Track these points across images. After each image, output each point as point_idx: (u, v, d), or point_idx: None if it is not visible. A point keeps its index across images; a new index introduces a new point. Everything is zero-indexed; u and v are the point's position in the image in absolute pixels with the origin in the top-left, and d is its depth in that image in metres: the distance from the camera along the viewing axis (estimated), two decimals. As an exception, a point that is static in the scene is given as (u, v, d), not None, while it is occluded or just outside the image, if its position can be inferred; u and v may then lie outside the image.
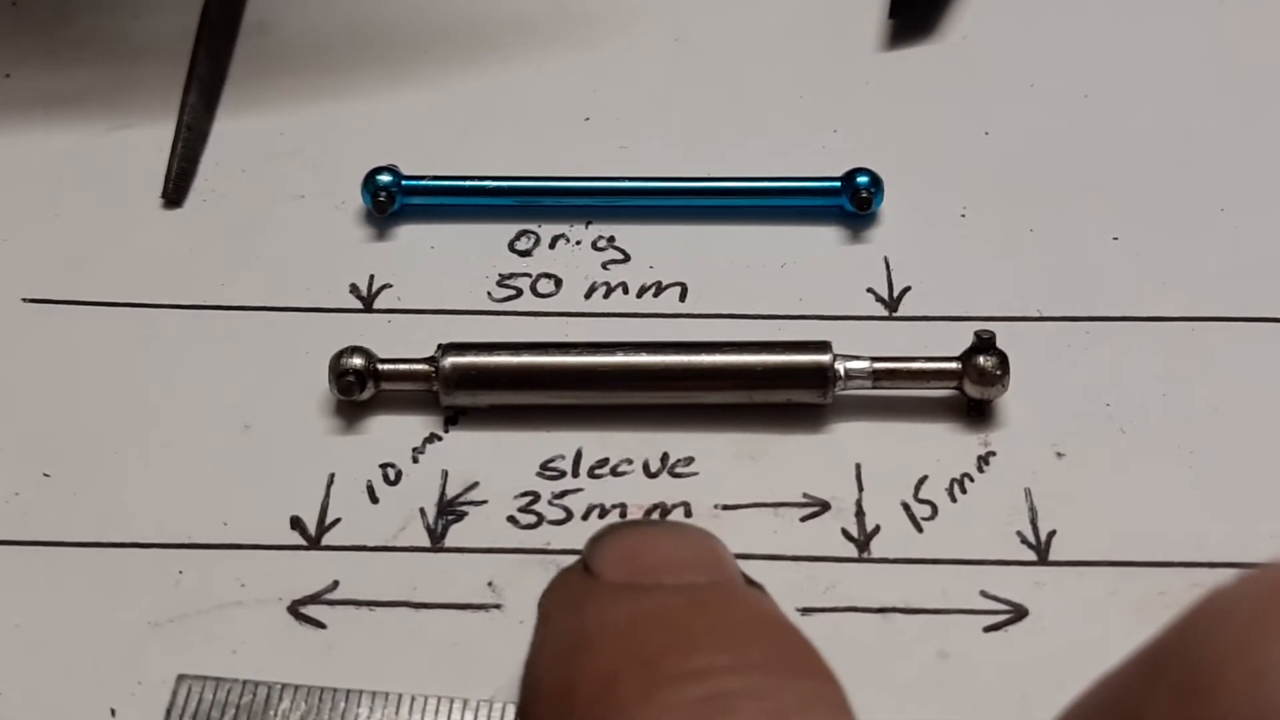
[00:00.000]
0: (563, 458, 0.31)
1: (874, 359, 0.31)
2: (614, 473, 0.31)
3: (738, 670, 0.19)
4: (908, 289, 0.34)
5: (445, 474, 0.31)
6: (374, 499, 0.30)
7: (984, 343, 0.31)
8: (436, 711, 0.26)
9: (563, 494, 0.30)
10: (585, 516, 0.30)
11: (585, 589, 0.22)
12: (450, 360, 0.31)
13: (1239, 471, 0.30)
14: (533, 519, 0.30)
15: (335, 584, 0.29)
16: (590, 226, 0.36)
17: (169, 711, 0.26)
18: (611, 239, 0.35)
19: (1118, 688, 0.17)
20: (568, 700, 0.19)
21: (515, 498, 0.30)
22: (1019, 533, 0.29)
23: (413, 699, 0.26)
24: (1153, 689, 0.16)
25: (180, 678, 0.26)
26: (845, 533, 0.29)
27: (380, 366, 0.31)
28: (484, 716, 0.26)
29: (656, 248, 0.35)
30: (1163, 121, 0.38)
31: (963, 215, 0.36)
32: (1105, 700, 0.17)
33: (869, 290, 0.34)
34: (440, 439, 0.31)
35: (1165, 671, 0.16)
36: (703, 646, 0.19)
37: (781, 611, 0.22)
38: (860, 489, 0.30)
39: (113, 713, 0.27)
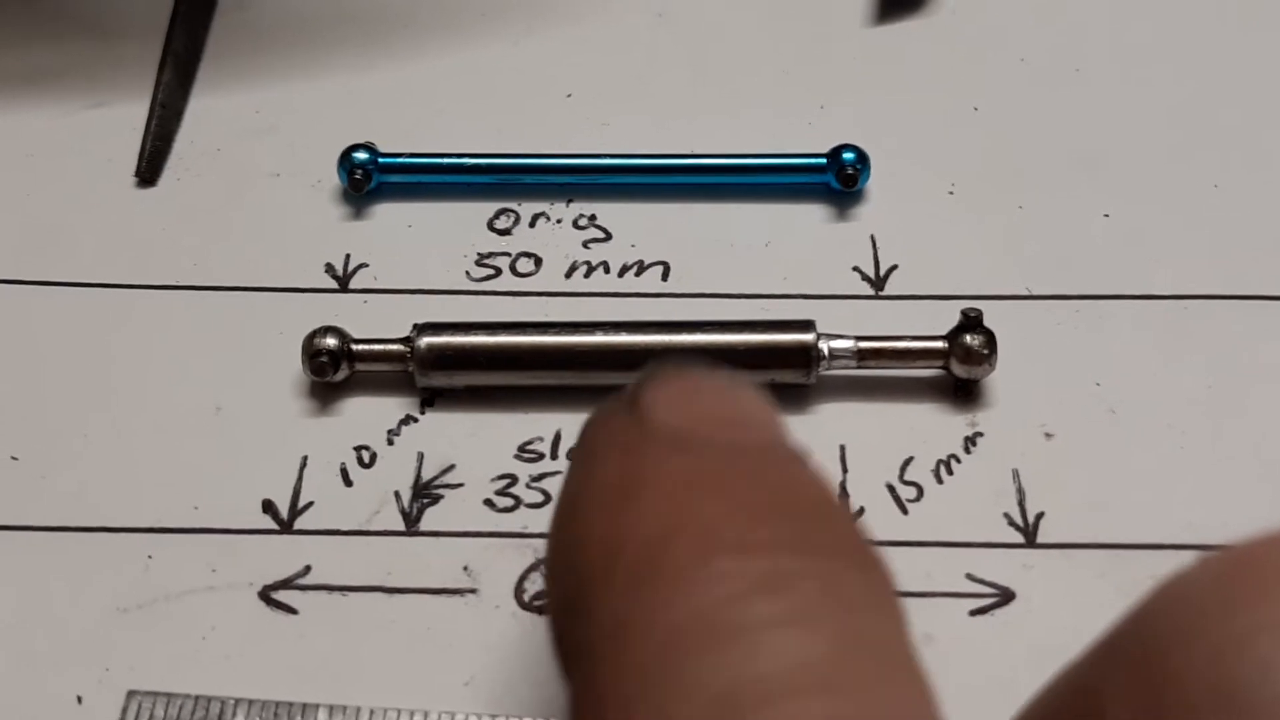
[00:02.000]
0: (541, 439, 0.30)
1: (859, 338, 0.30)
2: (593, 455, 0.30)
3: (800, 550, 0.18)
4: (894, 267, 0.33)
5: (421, 456, 0.30)
6: (348, 482, 0.29)
7: (971, 321, 0.30)
8: None
9: (541, 476, 0.30)
10: (564, 499, 0.29)
11: (634, 432, 0.20)
12: (426, 340, 0.30)
13: (1231, 452, 0.30)
14: (510, 502, 0.29)
15: (308, 569, 0.28)
16: (571, 205, 0.35)
17: None
18: (593, 217, 0.35)
19: (1078, 675, 0.17)
20: (614, 557, 0.18)
21: (492, 480, 0.30)
22: (1006, 514, 0.29)
23: (371, 712, 0.25)
24: (1112, 673, 0.16)
25: (130, 694, 0.26)
26: (829, 515, 0.29)
27: (354, 347, 0.30)
28: (446, 728, 0.25)
29: (638, 226, 0.34)
30: (1155, 97, 0.37)
31: (951, 192, 0.35)
32: (1066, 687, 0.17)
33: (855, 269, 0.33)
34: (416, 421, 0.31)
35: (1123, 654, 0.16)
36: (766, 519, 0.18)
37: (832, 491, 0.20)
38: (845, 470, 0.30)
39: (79, 699, 0.26)
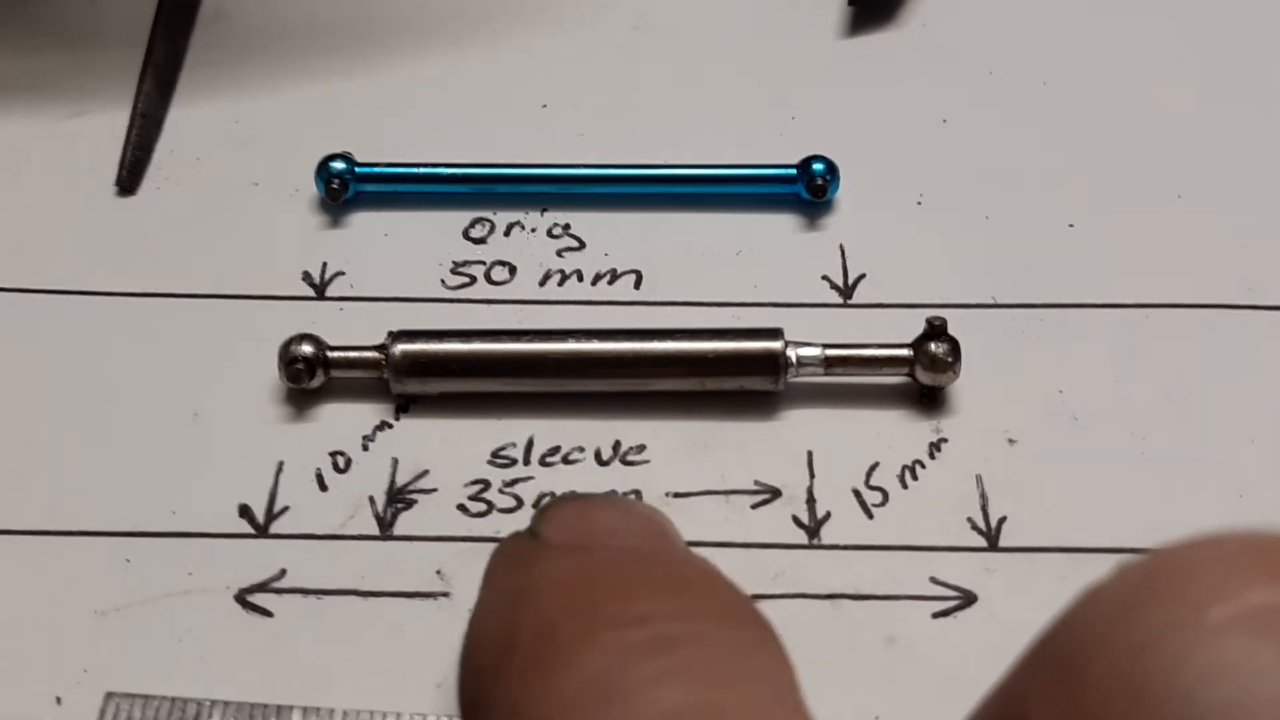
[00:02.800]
0: (514, 445, 0.31)
1: (826, 346, 0.31)
2: (565, 461, 0.30)
3: (678, 616, 0.19)
4: (863, 276, 0.34)
5: (395, 462, 0.30)
6: (323, 487, 0.30)
7: (935, 330, 0.31)
8: None
9: (514, 482, 0.30)
10: (536, 504, 0.30)
11: (530, 551, 0.22)
12: (400, 347, 0.31)
13: (1190, 458, 0.30)
14: (483, 507, 0.30)
15: (283, 572, 0.28)
16: (546, 214, 0.35)
17: None
18: (567, 226, 0.35)
19: (1007, 683, 0.17)
20: (509, 649, 0.19)
21: (465, 486, 0.30)
22: (970, 519, 0.29)
23: (344, 713, 0.26)
24: (1036, 679, 0.17)
25: (108, 695, 0.26)
26: (796, 520, 0.29)
27: (330, 354, 0.31)
28: (418, 729, 0.26)
29: (612, 235, 0.35)
30: (1120, 109, 0.38)
31: (919, 203, 0.36)
32: (997, 696, 0.18)
33: (824, 277, 0.34)
34: (391, 427, 0.31)
35: (1045, 660, 0.17)
36: (644, 594, 0.20)
37: (719, 571, 0.22)
38: (812, 476, 0.30)
39: (58, 700, 0.27)
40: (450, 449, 0.31)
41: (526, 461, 0.30)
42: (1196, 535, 0.17)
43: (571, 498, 0.24)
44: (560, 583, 0.20)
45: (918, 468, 0.30)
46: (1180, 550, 0.16)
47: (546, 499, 0.30)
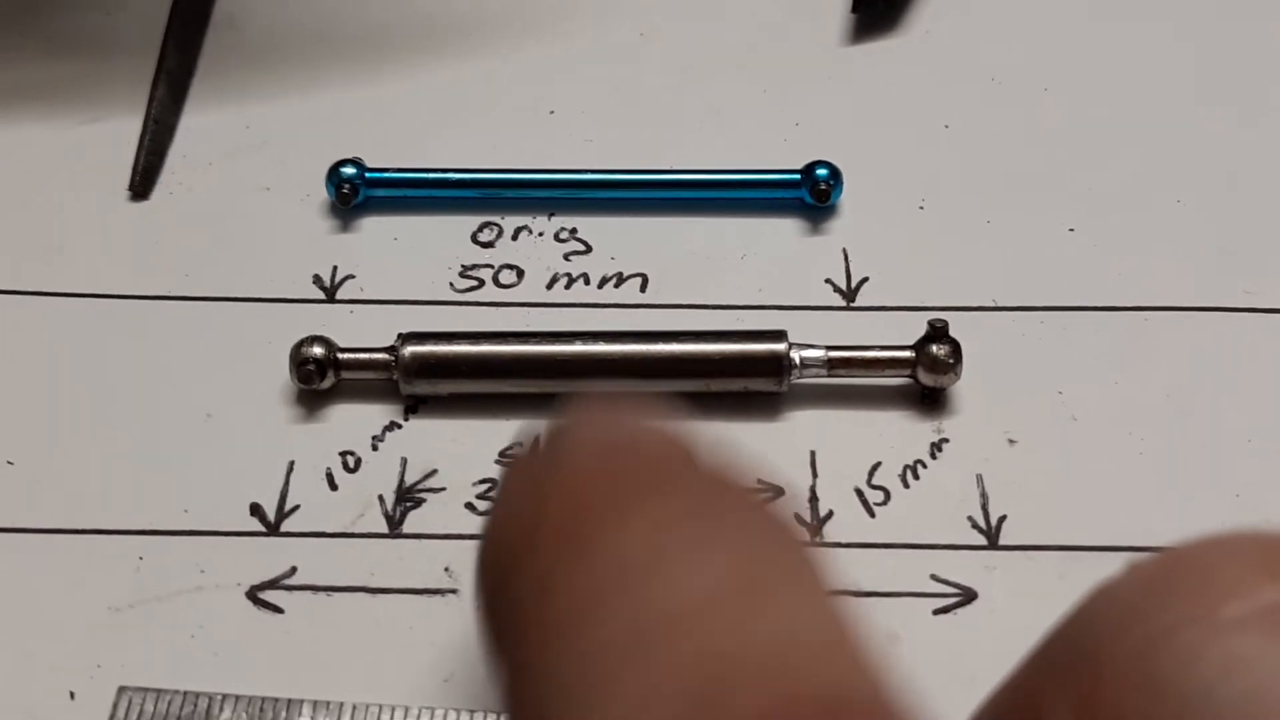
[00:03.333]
0: (521, 446, 0.31)
1: (829, 348, 0.31)
2: (572, 460, 0.31)
3: (712, 495, 0.18)
4: (865, 280, 0.34)
5: (404, 461, 0.31)
6: (333, 486, 0.30)
7: (937, 332, 0.31)
8: (379, 719, 0.26)
9: (521, 481, 0.30)
10: (543, 503, 0.30)
11: (550, 448, 0.20)
12: (410, 349, 0.31)
13: (1189, 459, 0.31)
14: (490, 505, 0.30)
15: (294, 570, 0.29)
16: (553, 218, 0.36)
17: None
18: (574, 231, 0.36)
19: (1019, 678, 0.17)
20: (536, 530, 0.18)
21: (474, 485, 0.30)
22: (970, 518, 0.30)
23: (354, 707, 0.26)
24: (1049, 674, 0.17)
25: (121, 689, 0.27)
26: (799, 518, 0.30)
27: (340, 355, 0.31)
28: (425, 723, 0.26)
29: (618, 239, 0.35)
30: (1121, 115, 0.38)
31: (921, 207, 0.36)
32: (1008, 691, 0.18)
33: (827, 281, 0.34)
34: (400, 427, 0.31)
35: (1059, 656, 0.17)
36: (676, 470, 0.19)
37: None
38: (815, 475, 0.31)
39: (71, 695, 0.27)
40: (458, 449, 0.31)
41: (534, 461, 0.31)
42: (1210, 534, 0.17)
43: (587, 399, 0.22)
44: (587, 469, 0.19)
45: (919, 467, 0.31)
46: (1195, 548, 0.17)
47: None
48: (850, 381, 0.32)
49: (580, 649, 0.16)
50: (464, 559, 0.29)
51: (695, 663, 0.16)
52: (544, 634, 0.17)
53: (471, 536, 0.29)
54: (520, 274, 0.35)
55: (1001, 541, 0.29)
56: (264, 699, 0.26)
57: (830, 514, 0.30)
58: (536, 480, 0.19)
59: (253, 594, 0.29)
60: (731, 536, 0.17)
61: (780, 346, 0.31)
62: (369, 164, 0.36)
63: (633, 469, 0.18)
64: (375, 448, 0.31)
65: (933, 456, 0.31)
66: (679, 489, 0.18)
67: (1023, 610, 0.28)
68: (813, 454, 0.31)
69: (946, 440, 0.31)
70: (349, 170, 0.35)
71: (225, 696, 0.26)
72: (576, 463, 0.19)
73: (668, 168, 0.36)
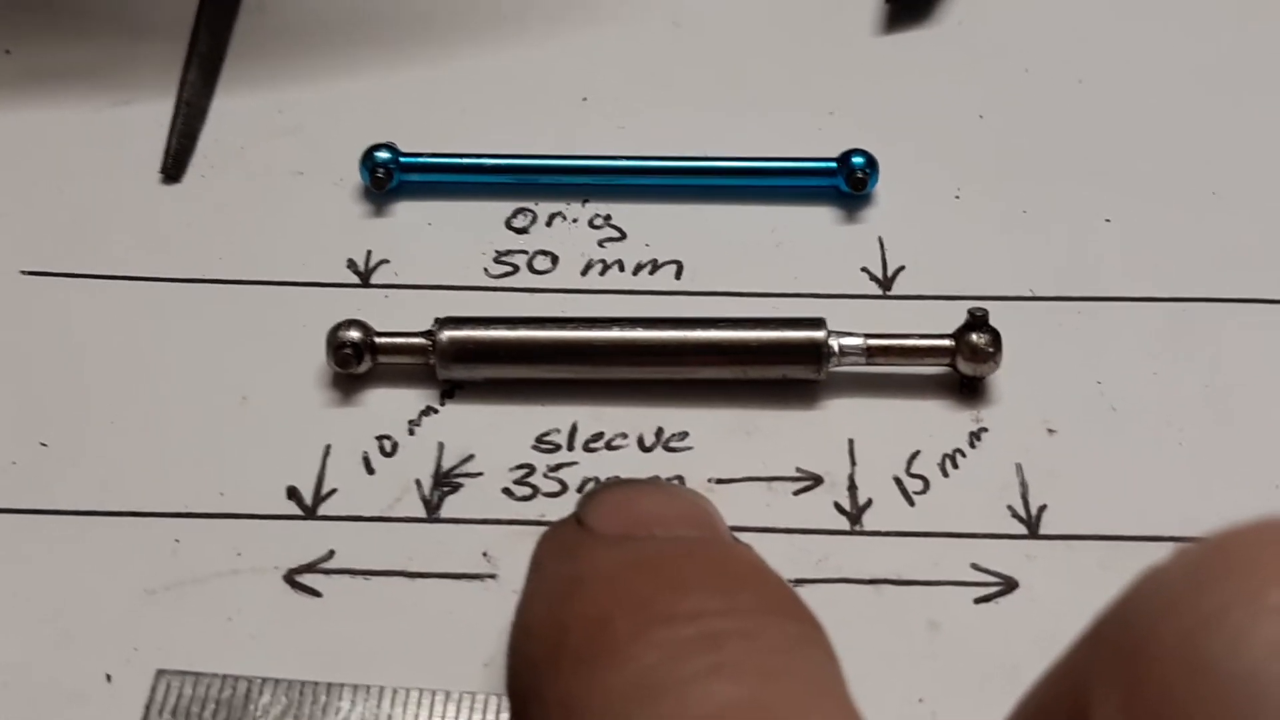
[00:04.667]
0: (558, 431, 0.31)
1: (868, 335, 0.31)
2: (609, 447, 0.31)
3: (728, 613, 0.19)
4: (901, 268, 0.34)
5: (441, 446, 0.31)
6: (370, 470, 0.30)
7: (977, 320, 0.31)
8: (419, 704, 0.26)
9: (558, 467, 0.30)
10: (580, 489, 0.30)
11: (578, 539, 0.22)
12: (447, 334, 0.31)
13: (1227, 449, 0.31)
14: (528, 491, 0.30)
15: (331, 553, 0.29)
16: (587, 205, 0.36)
17: (148, 708, 0.26)
18: (608, 217, 0.36)
19: (1066, 664, 0.18)
20: (560, 641, 0.20)
21: (510, 470, 0.30)
22: (1010, 507, 0.30)
23: (394, 691, 0.26)
24: (1095, 660, 0.17)
25: (159, 673, 0.26)
26: (838, 506, 0.30)
27: (377, 340, 0.31)
28: (466, 708, 0.26)
29: (653, 226, 0.35)
30: (1156, 106, 0.38)
31: (957, 197, 0.36)
32: (1056, 676, 0.18)
33: (863, 269, 0.34)
34: (436, 412, 0.31)
35: (1105, 642, 0.17)
36: (694, 590, 0.20)
37: (765, 562, 0.22)
38: (853, 463, 0.30)
39: (108, 678, 0.27)
40: (495, 434, 0.31)
41: (571, 447, 0.31)
42: (1257, 518, 0.17)
43: (616, 484, 0.24)
44: (610, 575, 0.21)
45: (958, 456, 0.31)
46: (1243, 531, 0.17)
47: (591, 484, 0.30)
48: (888, 370, 0.32)
49: None
50: (502, 544, 0.29)
51: None
52: None
53: (510, 521, 0.29)
54: (555, 260, 0.35)
55: (1042, 531, 0.29)
56: (303, 683, 0.26)
57: (870, 502, 0.30)
58: (563, 585, 0.21)
59: (290, 577, 0.29)
60: (742, 658, 0.18)
61: (819, 334, 0.31)
62: (403, 149, 0.36)
63: (653, 583, 0.20)
64: (412, 432, 0.31)
65: (972, 446, 0.31)
66: (697, 604, 0.19)
67: (1063, 599, 0.28)
68: (851, 442, 0.31)
69: (985, 430, 0.31)
70: (383, 154, 0.35)
71: (264, 680, 0.26)
72: (599, 573, 0.21)
73: (702, 155, 0.36)
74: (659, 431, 0.31)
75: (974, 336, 0.31)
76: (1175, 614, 0.16)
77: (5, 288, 0.34)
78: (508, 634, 0.27)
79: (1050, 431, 0.31)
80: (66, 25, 0.41)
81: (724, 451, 0.31)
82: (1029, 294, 0.34)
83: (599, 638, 0.19)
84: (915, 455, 0.31)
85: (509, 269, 0.34)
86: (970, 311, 0.31)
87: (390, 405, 0.31)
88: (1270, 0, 0.41)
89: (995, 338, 0.31)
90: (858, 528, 0.29)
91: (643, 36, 0.40)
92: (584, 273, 0.34)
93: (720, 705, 0.18)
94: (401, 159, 0.36)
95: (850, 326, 0.32)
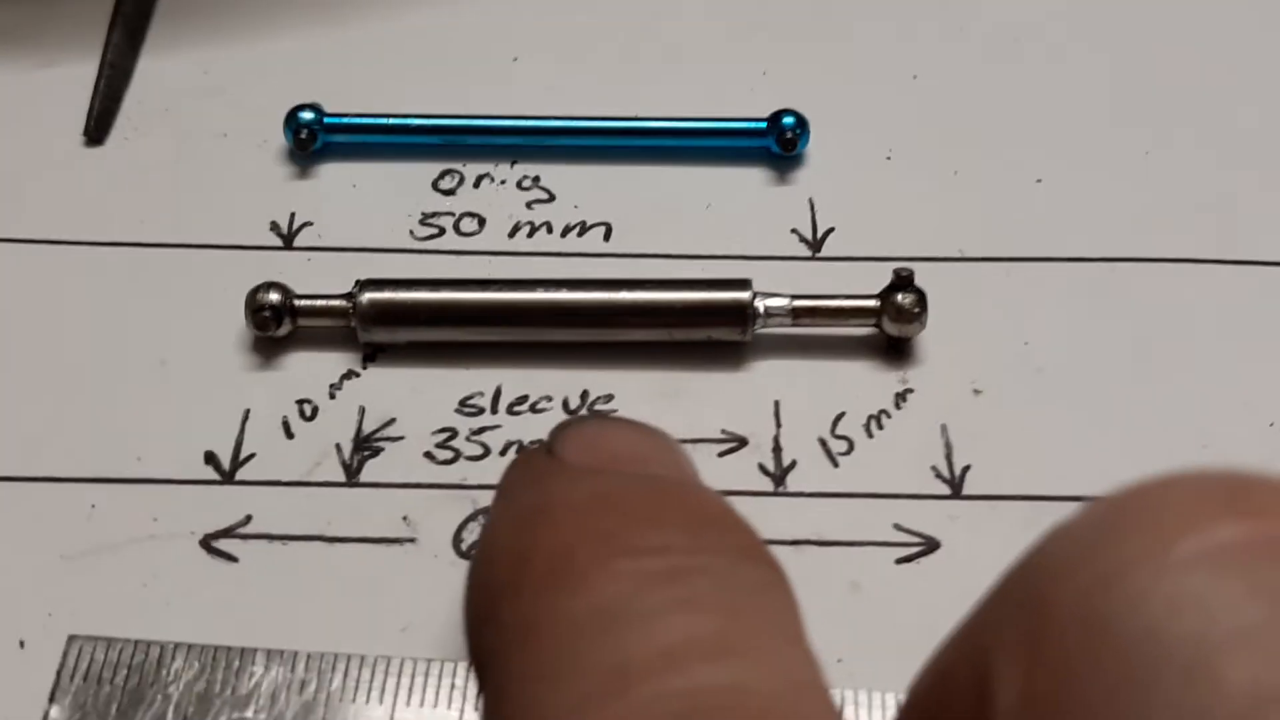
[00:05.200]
0: (482, 394, 0.31)
1: (794, 297, 0.31)
2: (533, 410, 0.31)
3: (694, 551, 0.19)
4: (831, 230, 0.34)
5: (362, 410, 0.30)
6: (289, 435, 0.30)
7: (902, 281, 0.31)
8: (334, 668, 0.26)
9: (481, 430, 0.30)
10: (503, 453, 0.30)
11: (547, 468, 0.22)
12: (368, 296, 0.31)
13: (1152, 410, 0.30)
14: (449, 455, 0.30)
15: (248, 518, 0.29)
16: (515, 166, 0.35)
17: (59, 672, 0.26)
18: (536, 179, 0.35)
19: (969, 622, 0.17)
20: (523, 568, 0.19)
21: (433, 434, 0.30)
22: (934, 468, 0.29)
23: (309, 656, 0.26)
24: (996, 615, 0.16)
25: (71, 638, 0.26)
26: (762, 468, 0.30)
27: (297, 302, 0.31)
28: (382, 673, 0.26)
29: (582, 188, 0.35)
30: (1089, 67, 0.38)
31: (888, 158, 0.36)
32: (959, 634, 0.18)
33: (793, 231, 0.34)
34: (358, 375, 0.31)
35: (1006, 601, 0.16)
36: (662, 525, 0.19)
37: (735, 509, 0.22)
38: (778, 425, 0.30)
39: (21, 644, 0.27)
40: (417, 398, 0.31)
41: (494, 410, 0.30)
42: (1164, 473, 0.16)
43: (591, 417, 0.24)
44: (578, 505, 0.20)
45: (884, 417, 0.30)
46: (1147, 487, 0.16)
47: (515, 448, 0.30)
48: (815, 331, 0.31)
49: (556, 693, 0.17)
50: (422, 508, 0.29)
51: (661, 712, 0.16)
52: (524, 670, 0.18)
53: (430, 486, 0.29)
54: (482, 222, 0.34)
55: (965, 491, 0.29)
56: (216, 648, 0.26)
57: (794, 464, 0.30)
58: (528, 513, 0.20)
59: (206, 543, 0.28)
60: (707, 594, 0.18)
61: (744, 295, 0.31)
62: (328, 109, 0.35)
63: (620, 517, 0.20)
64: (333, 396, 0.31)
65: (897, 407, 0.31)
66: (664, 540, 0.19)
67: (985, 559, 0.27)
68: (777, 404, 0.31)
69: (911, 390, 0.31)
70: (307, 115, 0.35)
71: (177, 645, 0.26)
72: (567, 503, 0.20)
73: (632, 115, 0.36)
74: (584, 394, 0.31)
75: (899, 297, 0.31)
76: (1076, 571, 0.15)
77: (-78, 252, 0.33)
78: (429, 604, 0.27)
79: (976, 392, 0.31)
80: (-13, -15, 0.40)
81: (649, 414, 0.30)
82: (958, 255, 0.33)
83: (561, 566, 0.19)
84: (840, 416, 0.30)
85: (435, 231, 0.34)
86: (896, 272, 0.31)
87: (311, 369, 0.31)
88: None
89: (920, 298, 0.31)
90: (781, 489, 0.29)
91: (575, -5, 0.40)
92: (511, 235, 0.34)
93: (685, 637, 0.17)
94: (326, 120, 0.35)
95: (779, 288, 0.31)
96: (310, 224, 0.34)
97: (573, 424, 0.23)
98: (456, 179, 0.35)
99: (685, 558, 0.19)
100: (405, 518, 0.29)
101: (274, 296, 0.31)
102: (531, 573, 0.19)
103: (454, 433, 0.30)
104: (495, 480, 0.29)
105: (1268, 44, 0.39)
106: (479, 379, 0.31)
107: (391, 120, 0.35)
